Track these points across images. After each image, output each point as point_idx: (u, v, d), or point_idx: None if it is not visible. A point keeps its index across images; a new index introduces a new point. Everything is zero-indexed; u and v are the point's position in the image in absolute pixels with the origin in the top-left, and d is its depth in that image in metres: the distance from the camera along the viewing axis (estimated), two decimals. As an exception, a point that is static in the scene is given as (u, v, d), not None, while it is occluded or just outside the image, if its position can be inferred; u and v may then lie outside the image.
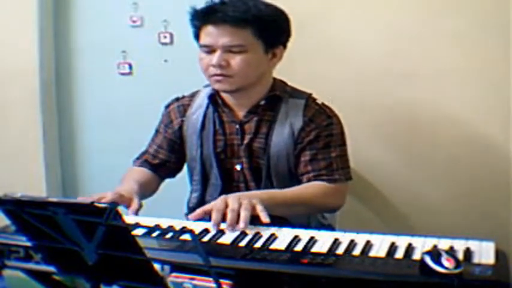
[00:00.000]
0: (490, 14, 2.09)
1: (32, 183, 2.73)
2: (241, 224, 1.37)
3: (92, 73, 2.76)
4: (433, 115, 2.21)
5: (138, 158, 1.88)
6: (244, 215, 1.39)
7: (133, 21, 2.64)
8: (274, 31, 1.67)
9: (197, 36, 1.70)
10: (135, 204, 1.56)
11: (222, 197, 1.47)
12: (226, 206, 1.43)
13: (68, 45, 2.76)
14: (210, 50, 1.65)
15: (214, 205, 1.45)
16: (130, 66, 2.69)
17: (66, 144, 2.84)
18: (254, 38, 1.63)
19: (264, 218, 1.40)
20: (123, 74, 2.70)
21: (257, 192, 1.60)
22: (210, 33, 1.63)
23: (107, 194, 1.55)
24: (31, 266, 1.26)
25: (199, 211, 1.47)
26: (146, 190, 1.75)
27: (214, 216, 1.41)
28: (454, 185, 2.24)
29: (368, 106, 2.27)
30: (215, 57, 1.63)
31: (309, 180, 1.69)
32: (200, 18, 1.66)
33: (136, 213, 1.55)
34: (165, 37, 2.61)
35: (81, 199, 1.51)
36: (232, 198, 1.45)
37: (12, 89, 2.70)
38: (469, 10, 2.11)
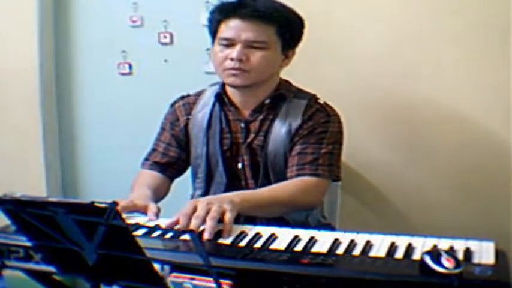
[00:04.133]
0: (490, 14, 2.09)
1: (32, 183, 2.73)
2: (206, 235, 1.31)
3: (92, 73, 2.76)
4: (433, 115, 2.21)
5: (146, 159, 1.86)
6: (209, 225, 1.33)
7: (133, 21, 2.64)
8: (293, 33, 1.71)
9: (214, 30, 1.70)
10: (153, 208, 1.52)
11: (192, 200, 1.43)
12: (195, 210, 1.38)
13: (68, 45, 2.76)
14: (229, 43, 1.65)
15: (183, 209, 1.40)
16: (130, 66, 2.70)
17: (66, 144, 2.85)
18: (276, 37, 1.66)
19: (225, 232, 1.33)
20: (123, 74, 2.70)
21: (229, 194, 1.54)
22: (234, 27, 1.64)
23: (120, 201, 1.53)
24: (31, 266, 1.26)
25: (174, 219, 1.41)
26: (158, 195, 1.73)
27: (181, 221, 1.37)
28: (454, 185, 2.24)
29: (368, 106, 2.27)
30: (236, 51, 1.63)
31: (291, 176, 1.67)
32: (227, 11, 1.66)
33: (157, 216, 1.50)
34: (165, 37, 2.61)
35: None
36: (201, 204, 1.39)
37: (12, 89, 2.71)
38: (469, 10, 2.11)
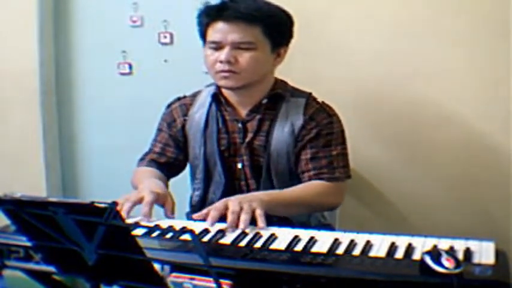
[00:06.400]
0: (490, 14, 2.09)
1: (32, 183, 2.73)
2: (241, 226, 1.38)
3: (92, 73, 2.76)
4: (433, 115, 2.21)
5: (142, 159, 1.87)
6: (244, 218, 1.40)
7: (133, 21, 2.64)
8: (281, 31, 1.70)
9: (203, 34, 1.71)
10: (170, 204, 1.58)
11: (223, 199, 1.48)
12: (227, 208, 1.44)
13: (68, 45, 2.76)
14: (217, 46, 1.66)
15: (215, 205, 1.46)
16: (130, 66, 2.69)
17: (66, 144, 2.84)
18: (263, 36, 1.66)
19: (261, 223, 1.41)
20: (123, 74, 2.70)
21: (258, 193, 1.60)
22: (220, 30, 1.65)
23: (141, 193, 1.54)
24: (31, 266, 1.26)
25: (204, 211, 1.47)
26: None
27: (212, 214, 1.42)
28: (454, 185, 2.24)
29: (368, 106, 2.26)
30: (224, 54, 1.64)
31: (310, 179, 1.69)
32: (211, 14, 1.67)
33: (172, 213, 1.57)
34: (165, 37, 2.61)
35: (122, 197, 1.51)
36: (233, 201, 1.45)
37: (13, 89, 2.70)
38: (469, 10, 2.11)
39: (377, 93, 2.25)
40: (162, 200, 1.57)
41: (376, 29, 2.22)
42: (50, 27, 2.71)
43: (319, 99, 1.77)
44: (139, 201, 1.52)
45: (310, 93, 1.78)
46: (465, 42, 2.13)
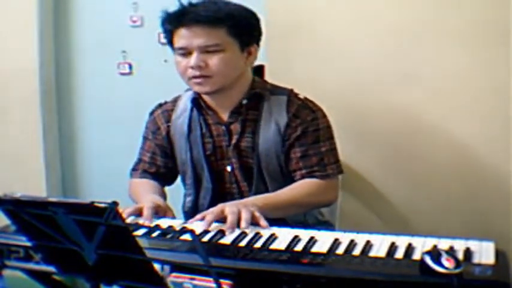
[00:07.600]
0: (490, 14, 2.09)
1: (32, 183, 2.73)
2: (243, 224, 1.38)
3: (92, 73, 2.76)
4: (434, 116, 2.21)
5: (135, 169, 1.85)
6: (245, 217, 1.40)
7: (133, 21, 2.64)
8: (247, 29, 1.67)
9: (170, 41, 1.68)
10: (170, 217, 1.58)
11: (220, 205, 1.48)
12: (223, 213, 1.43)
13: (68, 45, 2.76)
14: (185, 52, 1.64)
15: (211, 210, 1.46)
16: (130, 66, 2.70)
17: (66, 144, 2.85)
18: (229, 37, 1.63)
19: (263, 224, 1.41)
20: (123, 74, 2.70)
21: (251, 199, 1.60)
22: (184, 36, 1.62)
23: (140, 205, 1.54)
24: (31, 266, 1.26)
25: (197, 217, 1.47)
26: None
27: (208, 217, 1.41)
28: (454, 185, 2.23)
29: (368, 107, 2.26)
30: (193, 59, 1.62)
31: (302, 177, 1.68)
32: (172, 21, 1.65)
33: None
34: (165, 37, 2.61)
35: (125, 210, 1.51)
36: (229, 205, 1.45)
37: (13, 89, 2.71)
38: (469, 10, 2.11)
39: (378, 93, 2.24)
40: (163, 213, 1.57)
41: (375, 30, 2.21)
42: (50, 27, 2.72)
43: (302, 95, 1.74)
44: (139, 210, 1.52)
45: (291, 90, 1.75)
46: (465, 43, 2.13)
